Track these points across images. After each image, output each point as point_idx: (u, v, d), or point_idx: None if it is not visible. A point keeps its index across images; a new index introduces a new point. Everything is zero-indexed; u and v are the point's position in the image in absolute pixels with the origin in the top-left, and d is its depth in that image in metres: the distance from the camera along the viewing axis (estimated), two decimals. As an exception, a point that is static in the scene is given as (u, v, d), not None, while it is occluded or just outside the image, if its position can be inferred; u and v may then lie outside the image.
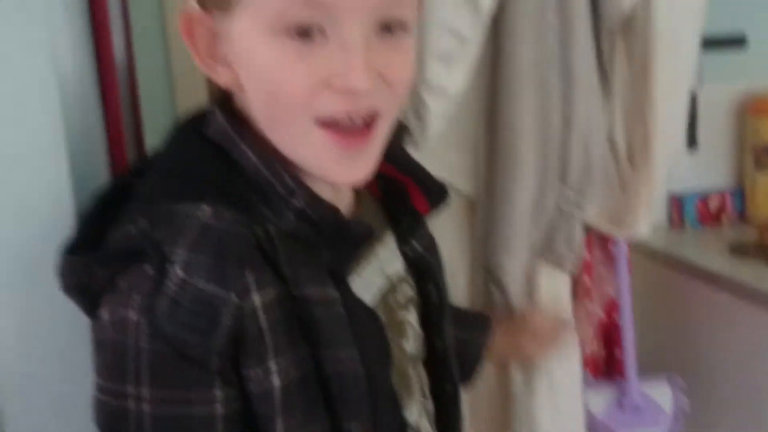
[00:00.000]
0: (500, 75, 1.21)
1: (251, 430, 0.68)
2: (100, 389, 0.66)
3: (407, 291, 0.85)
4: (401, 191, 0.84)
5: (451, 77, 1.18)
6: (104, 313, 0.66)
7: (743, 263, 1.78)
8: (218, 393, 0.65)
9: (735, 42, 2.11)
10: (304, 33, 0.65)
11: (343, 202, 0.77)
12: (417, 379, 0.86)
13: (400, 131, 0.87)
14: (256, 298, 0.64)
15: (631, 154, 1.35)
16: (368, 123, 0.68)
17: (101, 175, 1.21)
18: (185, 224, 0.64)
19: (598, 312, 1.53)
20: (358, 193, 0.82)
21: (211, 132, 0.72)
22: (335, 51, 0.65)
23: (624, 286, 1.54)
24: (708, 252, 1.91)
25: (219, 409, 0.65)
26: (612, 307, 1.63)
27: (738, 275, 1.70)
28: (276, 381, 0.66)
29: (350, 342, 0.70)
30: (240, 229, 0.66)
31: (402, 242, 0.85)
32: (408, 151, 0.89)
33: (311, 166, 0.70)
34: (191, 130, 0.73)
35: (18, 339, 0.91)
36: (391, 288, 0.82)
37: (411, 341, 0.85)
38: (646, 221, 1.40)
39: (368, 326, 0.74)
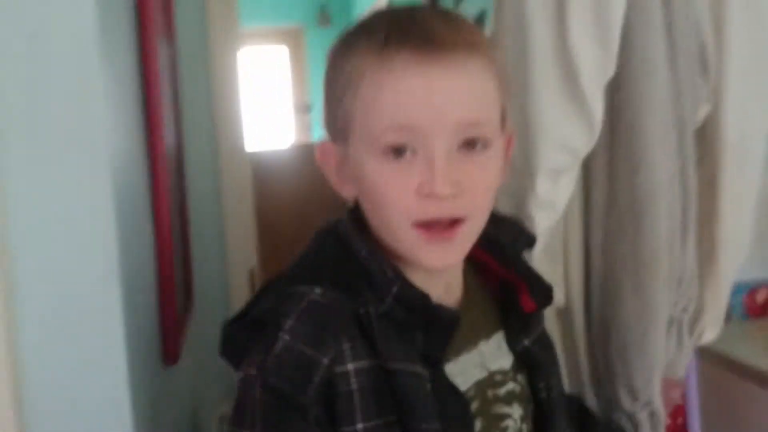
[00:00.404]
0: (638, 187, 1.19)
1: None
2: None
3: (511, 386, 0.91)
4: (513, 292, 0.93)
5: (559, 191, 1.19)
6: (239, 373, 0.80)
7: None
8: None
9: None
10: (398, 152, 0.77)
11: (451, 297, 0.88)
12: None
13: (522, 239, 0.98)
14: (350, 365, 0.77)
15: (700, 263, 1.33)
16: (452, 223, 0.79)
17: (147, 265, 1.23)
18: (299, 301, 0.79)
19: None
20: (469, 291, 0.91)
21: (340, 233, 0.86)
22: (423, 165, 0.77)
23: (692, 391, 1.49)
24: (756, 348, 1.85)
25: None
26: (678, 412, 1.58)
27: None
28: None
29: (434, 416, 0.79)
30: (343, 306, 0.79)
31: (511, 339, 0.93)
32: (524, 256, 0.99)
33: (409, 255, 0.81)
34: (327, 232, 0.88)
35: None
36: (491, 382, 0.89)
37: None
38: (714, 329, 1.37)
39: (454, 406, 0.82)
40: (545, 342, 0.97)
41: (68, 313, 0.93)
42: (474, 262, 0.93)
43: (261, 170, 2.90)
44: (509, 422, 0.90)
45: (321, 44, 6.62)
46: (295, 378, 0.76)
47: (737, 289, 2.06)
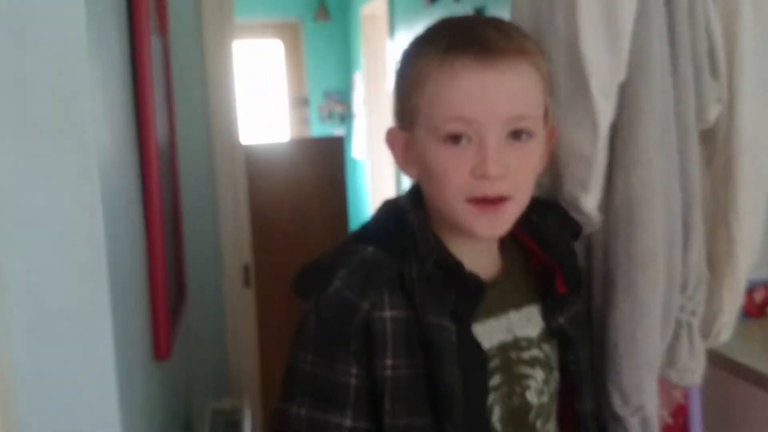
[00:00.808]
0: (632, 187, 1.18)
1: (374, 408, 0.96)
2: (288, 355, 1.01)
3: (535, 353, 1.05)
4: (551, 275, 1.07)
5: (589, 200, 1.19)
6: (302, 306, 1.00)
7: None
8: (353, 369, 0.96)
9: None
10: (456, 140, 0.93)
11: (488, 268, 1.04)
12: (543, 429, 1.07)
13: (567, 227, 1.15)
14: (387, 312, 0.95)
15: (713, 263, 1.32)
16: (500, 200, 0.94)
17: (137, 254, 1.22)
18: (353, 256, 0.98)
19: (665, 417, 1.47)
20: (509, 267, 1.07)
21: (400, 206, 1.04)
22: (477, 150, 0.93)
23: (695, 390, 1.48)
24: (753, 349, 1.84)
25: (353, 380, 0.96)
26: (678, 412, 1.57)
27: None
28: (388, 373, 0.95)
29: (455, 363, 0.95)
30: (389, 264, 0.97)
31: (547, 315, 1.07)
32: (569, 243, 1.15)
33: (463, 226, 0.97)
34: (391, 203, 1.07)
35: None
36: (516, 346, 1.04)
37: (535, 395, 1.05)
38: (730, 329, 1.36)
39: (473, 358, 0.99)
40: (579, 321, 1.11)
41: (54, 307, 0.92)
42: (521, 245, 1.09)
43: (256, 164, 2.88)
44: (531, 382, 1.05)
45: (319, 39, 6.62)
46: (340, 316, 0.95)
47: (734, 288, 2.05)
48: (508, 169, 0.94)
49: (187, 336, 2.06)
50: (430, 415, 0.97)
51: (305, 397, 0.97)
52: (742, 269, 1.33)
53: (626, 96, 1.17)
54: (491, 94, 0.93)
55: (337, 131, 6.53)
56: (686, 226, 1.23)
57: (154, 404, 1.34)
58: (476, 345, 1.00)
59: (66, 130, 0.90)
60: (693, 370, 1.30)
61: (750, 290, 2.08)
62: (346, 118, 6.75)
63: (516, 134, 0.95)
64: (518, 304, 1.06)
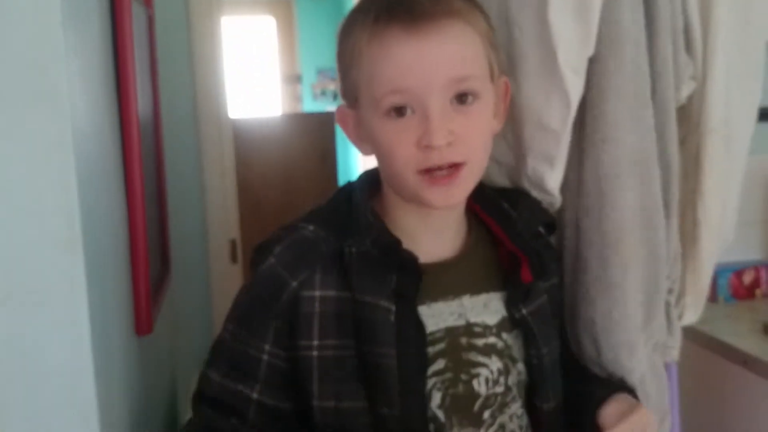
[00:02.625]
0: (602, 164, 1.16)
1: (291, 387, 0.98)
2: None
3: (492, 341, 1.02)
4: (517, 264, 1.04)
5: (554, 177, 1.18)
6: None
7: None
8: (267, 347, 0.97)
9: (769, 113, 2.08)
10: (399, 112, 0.91)
11: (445, 248, 1.03)
12: (491, 420, 1.03)
13: (537, 217, 1.12)
14: (317, 291, 0.95)
15: (682, 243, 1.31)
16: (452, 168, 0.92)
17: (117, 232, 1.20)
18: (291, 233, 0.99)
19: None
20: (471, 251, 1.05)
21: (353, 185, 1.05)
22: (421, 121, 0.90)
23: (672, 367, 1.47)
24: (741, 330, 1.85)
25: (265, 357, 0.97)
26: None
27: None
28: (315, 353, 0.95)
29: (391, 343, 0.94)
30: (326, 243, 0.97)
31: (511, 304, 1.04)
32: (541, 233, 1.12)
33: (416, 198, 0.95)
34: (347, 185, 1.06)
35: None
36: (469, 332, 1.01)
37: (483, 384, 1.01)
38: (694, 311, 1.35)
39: (412, 339, 0.96)
40: (544, 314, 1.07)
41: (27, 280, 0.90)
42: (490, 231, 1.08)
43: (245, 138, 2.86)
44: (482, 371, 1.01)
45: (312, 15, 6.57)
46: (269, 291, 0.96)
47: (724, 271, 2.05)
48: (456, 135, 0.91)
49: (172, 311, 2.05)
50: (363, 398, 0.96)
51: (221, 365, 1.01)
52: (706, 252, 1.31)
53: (596, 71, 1.16)
54: (425, 62, 0.90)
55: (330, 108, 6.50)
56: (667, 205, 1.22)
57: (136, 380, 1.33)
58: (417, 326, 0.97)
59: (39, 98, 0.88)
60: (671, 346, 1.29)
61: (739, 272, 2.09)
62: (339, 95, 6.70)
63: (461, 97, 0.92)
64: (475, 290, 1.03)
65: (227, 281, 2.35)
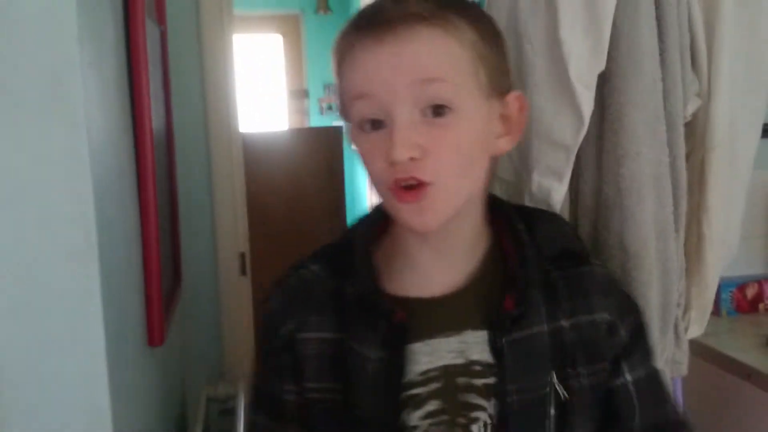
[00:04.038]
0: (623, 178, 1.17)
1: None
2: None
3: (492, 381, 0.92)
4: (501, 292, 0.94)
5: (555, 191, 1.18)
6: None
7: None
8: (288, 386, 0.96)
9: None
10: (375, 125, 0.86)
11: (451, 276, 0.95)
12: None
13: (558, 245, 0.99)
14: (312, 334, 0.94)
15: (687, 258, 1.32)
16: (417, 186, 0.85)
17: (130, 248, 1.22)
18: (291, 275, 0.99)
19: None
20: (482, 279, 0.95)
21: (361, 219, 1.01)
22: (389, 134, 0.84)
23: (677, 381, 1.48)
24: (744, 344, 1.85)
25: (290, 397, 0.96)
26: None
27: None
28: (311, 395, 0.94)
29: (368, 392, 0.91)
30: (325, 284, 0.95)
31: (494, 334, 0.93)
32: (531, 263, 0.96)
33: (395, 217, 0.91)
34: (357, 221, 1.03)
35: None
36: (467, 371, 0.92)
37: (482, 429, 0.92)
38: (699, 325, 1.36)
39: (389, 387, 0.91)
40: (529, 348, 0.93)
41: (43, 291, 0.92)
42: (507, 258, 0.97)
43: (254, 152, 2.88)
44: (480, 414, 0.92)
45: (320, 30, 6.60)
46: (268, 335, 0.97)
47: (727, 285, 2.06)
48: (424, 150, 0.84)
49: (183, 323, 2.06)
50: None
51: (259, 407, 1.01)
52: (710, 266, 1.32)
53: (615, 85, 1.16)
54: (385, 66, 0.85)
55: (337, 123, 6.53)
56: (677, 219, 1.23)
57: (148, 390, 1.34)
58: (395, 373, 0.91)
59: (55, 109, 0.90)
60: (679, 361, 1.30)
61: (742, 286, 2.09)
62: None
63: (437, 110, 0.85)
64: (478, 323, 0.94)
65: (236, 294, 2.37)
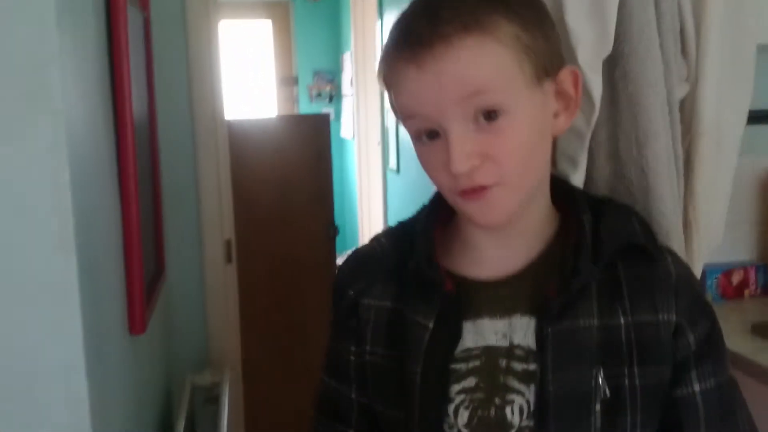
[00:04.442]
0: (646, 159, 1.18)
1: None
2: None
3: (532, 368, 0.92)
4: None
5: (578, 178, 1.16)
6: None
7: (764, 345, 1.73)
8: (352, 347, 1.00)
9: (760, 117, 2.09)
10: (431, 135, 0.88)
11: (511, 259, 0.96)
12: None
13: (622, 237, 0.95)
14: (374, 301, 0.99)
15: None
16: (484, 187, 0.87)
17: (110, 234, 1.21)
18: (367, 245, 1.04)
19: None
20: (542, 265, 0.95)
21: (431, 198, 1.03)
22: (445, 145, 0.86)
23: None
24: (729, 330, 1.85)
25: (351, 357, 1.01)
26: None
27: (759, 357, 1.65)
28: (368, 357, 0.99)
29: (419, 360, 0.93)
30: (391, 256, 1.00)
31: (541, 323, 0.92)
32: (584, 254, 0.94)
33: (465, 216, 0.93)
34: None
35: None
36: (509, 353, 0.93)
37: (517, 414, 0.92)
38: None
39: (439, 354, 0.93)
40: (575, 341, 0.91)
41: (19, 281, 0.92)
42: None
43: (240, 139, 2.86)
44: (517, 398, 0.92)
45: (309, 17, 6.58)
46: (335, 298, 1.02)
47: (713, 271, 2.07)
48: (484, 156, 0.85)
49: (167, 311, 2.06)
50: (402, 408, 0.96)
51: (326, 366, 1.07)
52: (696, 252, 1.33)
53: (630, 67, 1.16)
54: (430, 88, 0.85)
55: (326, 110, 6.51)
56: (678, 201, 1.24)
57: (129, 378, 1.34)
58: (448, 343, 0.94)
59: (33, 98, 0.89)
60: None
61: (727, 272, 2.10)
62: (335, 97, 6.72)
63: (489, 114, 0.85)
64: (527, 309, 0.94)
65: (222, 281, 2.36)
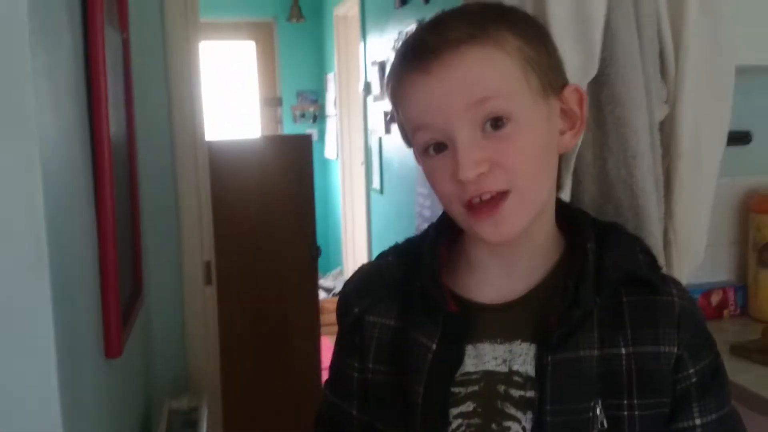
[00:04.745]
0: (636, 180, 1.21)
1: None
2: None
3: (530, 395, 0.92)
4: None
5: (563, 197, 1.17)
6: None
7: (744, 366, 1.73)
8: (355, 364, 1.01)
9: (740, 138, 2.11)
10: (438, 147, 0.89)
11: (516, 283, 0.96)
12: None
13: (622, 267, 0.94)
14: (378, 319, 1.00)
15: None
16: (497, 198, 0.87)
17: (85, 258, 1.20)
18: (373, 262, 1.05)
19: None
20: (545, 291, 0.95)
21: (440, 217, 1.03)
22: (452, 154, 0.87)
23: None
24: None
25: (355, 374, 1.02)
26: None
27: (739, 378, 1.65)
28: (369, 376, 1.00)
29: (420, 381, 0.93)
30: (396, 275, 1.01)
31: (540, 351, 0.92)
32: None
33: (470, 233, 0.93)
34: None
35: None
36: (508, 380, 0.93)
37: None
38: None
39: (441, 376, 0.94)
40: (574, 370, 0.91)
41: (-9, 301, 0.90)
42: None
43: (221, 160, 2.85)
44: (513, 425, 0.92)
45: (293, 38, 6.60)
46: (340, 314, 1.04)
47: (692, 291, 2.06)
48: (493, 162, 0.86)
49: (145, 333, 2.04)
50: (402, 427, 0.96)
51: (330, 382, 1.08)
52: (676, 272, 1.33)
53: (616, 90, 1.18)
54: (437, 96, 0.87)
55: (310, 131, 6.52)
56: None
57: (105, 403, 1.32)
58: (450, 365, 0.94)
59: (6, 120, 0.88)
60: None
61: (707, 292, 2.11)
62: (319, 118, 6.73)
63: (496, 121, 0.86)
64: (528, 335, 0.93)
65: (201, 303, 2.34)
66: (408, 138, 0.95)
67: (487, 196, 0.87)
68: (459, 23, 0.88)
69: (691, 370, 0.92)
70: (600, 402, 0.90)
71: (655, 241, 1.20)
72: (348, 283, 1.07)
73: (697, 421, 0.93)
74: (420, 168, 0.96)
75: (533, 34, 0.91)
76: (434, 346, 0.94)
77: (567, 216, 1.00)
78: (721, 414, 0.94)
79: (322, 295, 5.37)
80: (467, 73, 0.86)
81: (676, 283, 0.99)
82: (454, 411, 0.93)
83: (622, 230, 1.01)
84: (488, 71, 0.87)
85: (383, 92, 4.45)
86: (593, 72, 1.17)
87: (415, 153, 0.94)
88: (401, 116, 0.94)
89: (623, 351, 0.91)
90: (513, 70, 0.87)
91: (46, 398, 0.94)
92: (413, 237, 1.06)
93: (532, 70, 0.88)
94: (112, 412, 1.39)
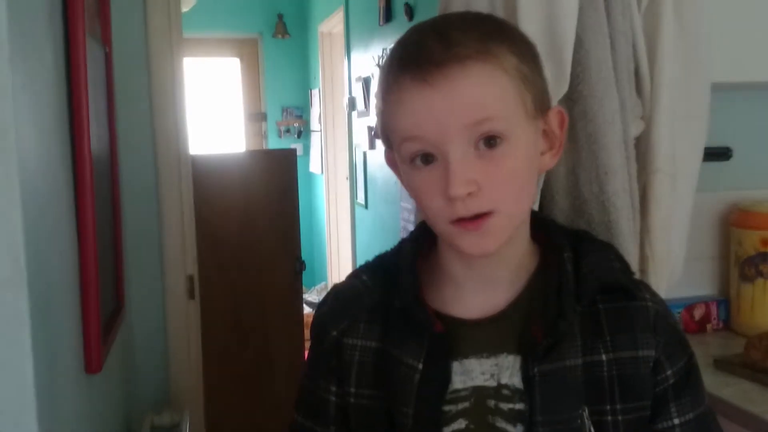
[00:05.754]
0: (608, 195, 1.21)
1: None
2: None
3: (519, 407, 0.91)
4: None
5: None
6: None
7: (728, 380, 1.73)
8: (334, 388, 0.98)
9: (720, 154, 2.13)
10: (425, 159, 0.86)
11: (497, 297, 0.95)
12: None
13: (598, 275, 0.95)
14: (357, 341, 0.97)
15: None
16: (479, 216, 0.85)
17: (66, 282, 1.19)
18: (347, 282, 1.01)
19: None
20: (527, 304, 0.94)
21: (412, 232, 1.02)
22: (442, 169, 0.84)
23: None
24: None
25: (332, 398, 0.99)
26: None
27: (722, 393, 1.65)
28: (351, 400, 0.97)
29: (410, 402, 0.91)
30: (373, 294, 0.97)
31: (526, 363, 0.92)
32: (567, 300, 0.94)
33: (452, 246, 0.91)
34: (414, 229, 1.03)
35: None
36: (497, 394, 0.92)
37: None
38: None
39: (432, 396, 0.92)
40: (561, 380, 0.91)
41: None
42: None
43: (204, 175, 2.85)
44: None
45: (278, 54, 6.61)
46: (317, 338, 1.00)
47: (675, 306, 2.08)
48: (480, 184, 0.85)
49: (126, 348, 2.02)
50: None
51: (302, 406, 1.04)
52: (654, 287, 1.34)
53: (588, 106, 1.18)
54: (437, 112, 0.84)
55: (295, 146, 6.52)
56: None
57: (85, 419, 1.31)
58: (439, 384, 0.92)
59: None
60: None
61: (690, 307, 2.11)
62: (303, 133, 6.74)
63: (489, 141, 0.85)
64: (513, 348, 0.93)
65: (184, 318, 2.33)
66: (389, 141, 0.93)
67: (469, 216, 0.86)
68: (465, 37, 0.86)
69: (669, 372, 0.94)
70: (586, 410, 0.91)
71: (627, 256, 1.21)
72: (322, 305, 1.03)
73: (676, 421, 0.95)
74: (399, 179, 0.95)
75: (527, 52, 0.90)
76: (420, 366, 0.92)
77: (538, 225, 1.00)
78: (698, 413, 0.96)
79: (306, 309, 5.35)
80: (470, 91, 0.84)
81: (648, 287, 1.02)
82: (447, 430, 0.92)
83: (592, 237, 1.03)
84: (490, 91, 0.85)
85: (367, 108, 4.46)
86: (564, 89, 1.18)
87: (396, 159, 0.92)
88: (389, 122, 0.90)
89: (604, 357, 0.92)
90: (511, 89, 0.86)
91: (24, 416, 0.93)
92: (384, 254, 1.03)
93: (526, 89, 0.88)
94: (91, 428, 1.38)
